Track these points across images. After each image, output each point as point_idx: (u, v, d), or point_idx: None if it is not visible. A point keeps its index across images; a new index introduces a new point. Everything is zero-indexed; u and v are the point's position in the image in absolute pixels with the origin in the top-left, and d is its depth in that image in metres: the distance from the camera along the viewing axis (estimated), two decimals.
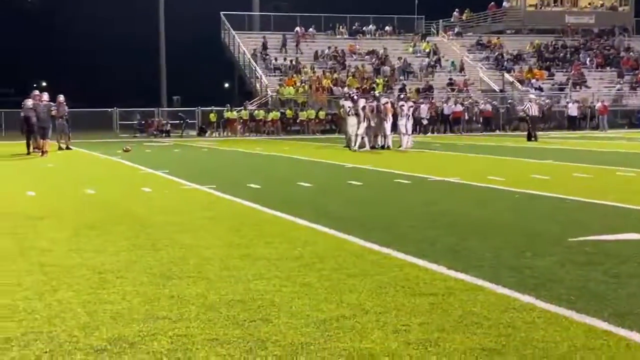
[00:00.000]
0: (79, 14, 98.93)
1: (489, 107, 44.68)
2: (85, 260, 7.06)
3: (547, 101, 45.58)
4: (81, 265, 6.81)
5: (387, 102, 26.10)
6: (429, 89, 49.54)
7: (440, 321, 4.98)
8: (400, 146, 25.77)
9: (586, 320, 4.95)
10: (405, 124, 26.26)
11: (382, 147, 25.46)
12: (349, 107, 25.21)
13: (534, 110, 32.17)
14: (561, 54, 57.27)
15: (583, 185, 13.28)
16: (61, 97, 28.36)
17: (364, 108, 24.78)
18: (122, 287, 5.98)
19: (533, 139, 31.02)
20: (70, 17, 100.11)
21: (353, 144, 24.66)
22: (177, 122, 45.07)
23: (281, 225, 9.07)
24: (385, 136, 25.83)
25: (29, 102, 24.80)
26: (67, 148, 27.54)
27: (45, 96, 25.08)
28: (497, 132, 44.34)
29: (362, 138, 24.91)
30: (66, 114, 28.69)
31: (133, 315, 5.20)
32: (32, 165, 20.51)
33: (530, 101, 32.82)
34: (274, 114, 43.48)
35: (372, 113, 25.42)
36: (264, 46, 51.70)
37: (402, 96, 30.99)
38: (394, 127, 25.96)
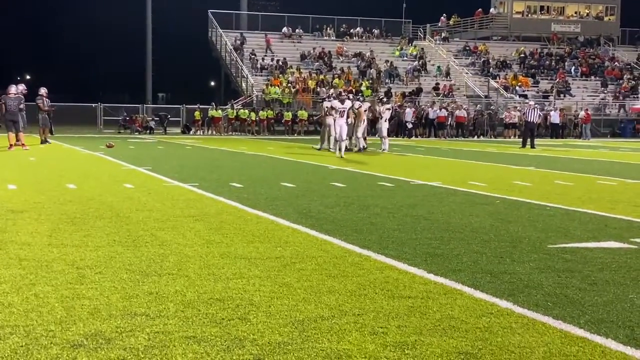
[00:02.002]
0: (66, 9, 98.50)
1: (463, 113, 44.73)
2: (64, 255, 7.03)
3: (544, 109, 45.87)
4: (60, 260, 6.78)
5: (360, 106, 26.12)
6: (417, 92, 49.67)
7: (418, 324, 4.99)
8: (383, 149, 25.96)
9: (562, 326, 4.98)
10: (384, 127, 26.46)
11: (350, 150, 25.52)
12: (326, 107, 25.42)
13: (535, 117, 32.05)
14: (546, 62, 57.57)
15: (564, 192, 13.35)
16: (43, 90, 28.21)
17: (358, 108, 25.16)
18: (100, 283, 5.96)
19: (529, 145, 30.85)
20: (57, 12, 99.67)
21: (332, 146, 24.78)
22: (157, 119, 44.95)
23: (263, 224, 9.07)
24: (357, 139, 25.94)
25: None
26: (45, 141, 27.41)
27: (14, 89, 24.66)
28: (482, 138, 44.53)
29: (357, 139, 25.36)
30: (49, 107, 28.61)
31: (111, 311, 5.19)
32: (13, 158, 20.39)
33: (532, 108, 32.45)
34: (269, 112, 43.43)
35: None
36: (243, 43, 51.63)
37: (383, 99, 30.87)
38: (372, 131, 26.17)
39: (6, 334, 4.64)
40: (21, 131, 24.49)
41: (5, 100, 24.08)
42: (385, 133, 26.64)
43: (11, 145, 23.85)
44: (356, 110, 25.38)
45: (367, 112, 26.26)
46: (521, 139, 32.94)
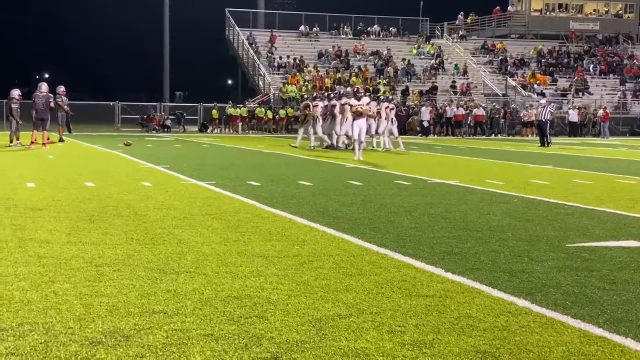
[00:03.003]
0: (84, 7, 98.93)
1: (481, 112, 44.62)
2: (83, 252, 7.06)
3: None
4: (78, 258, 6.82)
5: (345, 103, 26.21)
6: (433, 90, 49.58)
7: (436, 323, 4.98)
8: (384, 149, 25.85)
9: (581, 325, 4.96)
10: (386, 125, 26.33)
11: (330, 147, 25.96)
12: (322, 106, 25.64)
13: (544, 115, 32.00)
14: (565, 60, 57.28)
15: (583, 191, 13.28)
16: (62, 89, 28.36)
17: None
18: (118, 281, 5.99)
19: (547, 144, 30.87)
20: (75, 10, 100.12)
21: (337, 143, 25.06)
22: (173, 117, 45.11)
23: (280, 223, 9.08)
24: (338, 135, 26.11)
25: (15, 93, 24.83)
26: (61, 139, 27.58)
27: (44, 87, 25.01)
28: (500, 136, 44.38)
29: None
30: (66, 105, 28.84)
31: (129, 308, 5.21)
32: (32, 156, 20.51)
33: (543, 107, 32.45)
34: (290, 111, 43.44)
35: (326, 114, 26.16)
36: (264, 43, 51.66)
37: (382, 98, 30.64)
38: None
39: (25, 331, 4.66)
40: (47, 130, 24.68)
41: (34, 98, 24.27)
42: (384, 131, 26.48)
43: (43, 143, 23.95)
44: (339, 108, 25.71)
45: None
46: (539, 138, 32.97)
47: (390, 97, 31.01)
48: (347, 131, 25.71)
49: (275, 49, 51.40)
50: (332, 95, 28.70)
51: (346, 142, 26.11)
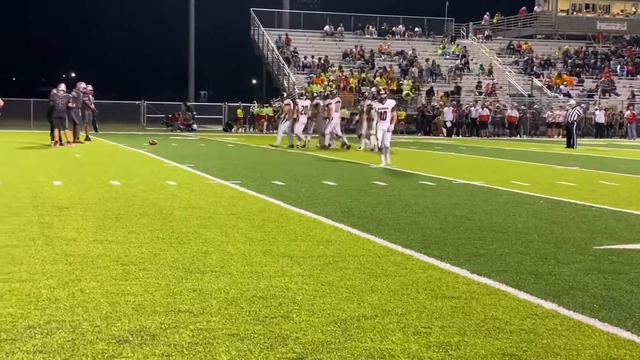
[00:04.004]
0: (110, 7, 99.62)
1: (515, 112, 44.46)
2: (109, 251, 7.11)
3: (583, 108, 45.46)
4: (105, 256, 6.86)
5: (330, 103, 26.44)
6: (457, 91, 49.42)
7: (462, 325, 4.96)
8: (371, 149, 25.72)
9: (609, 329, 4.91)
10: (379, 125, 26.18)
11: (324, 147, 26.14)
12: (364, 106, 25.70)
13: (570, 117, 31.89)
14: (591, 61, 56.84)
15: (610, 193, 13.17)
16: (89, 88, 28.55)
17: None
18: (144, 279, 6.01)
19: (572, 145, 30.80)
20: (102, 10, 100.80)
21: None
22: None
23: (304, 223, 9.08)
24: (324, 135, 26.43)
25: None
26: (87, 138, 27.78)
27: (62, 87, 25.23)
28: (524, 137, 44.13)
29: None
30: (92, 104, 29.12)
31: (155, 307, 5.23)
32: (59, 155, 20.67)
33: (572, 108, 32.41)
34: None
35: (318, 113, 26.44)
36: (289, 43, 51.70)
37: (377, 97, 30.18)
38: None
39: (53, 329, 4.70)
40: (67, 129, 24.91)
41: (54, 98, 24.47)
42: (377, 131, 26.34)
43: (56, 141, 24.24)
44: (325, 106, 26.21)
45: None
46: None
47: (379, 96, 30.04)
48: (335, 130, 26.04)
49: (295, 51, 51.33)
50: (315, 94, 28.80)
51: (332, 142, 26.56)
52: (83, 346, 4.40)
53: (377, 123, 22.20)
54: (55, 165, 17.20)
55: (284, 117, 27.13)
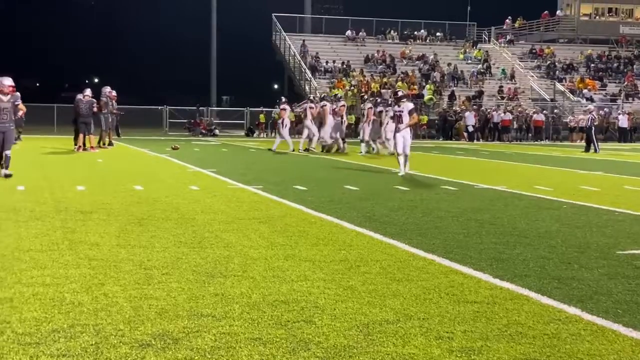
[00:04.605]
0: (133, 14, 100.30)
1: (542, 117, 44.27)
2: (132, 255, 7.15)
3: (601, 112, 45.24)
4: (128, 260, 6.90)
5: (325, 105, 26.70)
6: (479, 95, 49.26)
7: (484, 330, 4.94)
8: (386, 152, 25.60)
9: (633, 334, 4.88)
10: (388, 129, 26.08)
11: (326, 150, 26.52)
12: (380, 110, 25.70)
13: (587, 121, 31.85)
14: (614, 65, 56.46)
15: (634, 198, 13.07)
16: (114, 93, 28.69)
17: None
18: (167, 284, 6.04)
19: (593, 150, 30.77)
20: (126, 17, 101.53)
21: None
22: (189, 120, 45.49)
23: (326, 227, 9.08)
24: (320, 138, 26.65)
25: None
26: (110, 143, 27.93)
27: (88, 92, 25.42)
28: (547, 141, 43.90)
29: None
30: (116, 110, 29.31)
31: (178, 311, 5.25)
32: (82, 160, 20.81)
33: (590, 112, 32.42)
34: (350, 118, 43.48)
35: (318, 116, 26.59)
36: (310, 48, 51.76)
37: (378, 101, 30.04)
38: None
39: (77, 333, 4.73)
40: (92, 134, 25.09)
41: (78, 103, 24.65)
42: (389, 135, 26.22)
43: (80, 147, 24.40)
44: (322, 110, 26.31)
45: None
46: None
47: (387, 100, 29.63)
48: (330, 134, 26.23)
49: (317, 56, 51.37)
50: (312, 98, 28.88)
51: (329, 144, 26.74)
52: (106, 350, 4.43)
53: (383, 126, 22.19)
54: (78, 170, 17.31)
55: (283, 122, 27.22)
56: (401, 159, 17.12)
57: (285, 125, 27.09)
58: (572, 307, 5.49)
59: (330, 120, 26.51)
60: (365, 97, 28.32)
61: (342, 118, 26.90)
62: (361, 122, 27.25)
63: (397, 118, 17.62)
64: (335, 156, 24.36)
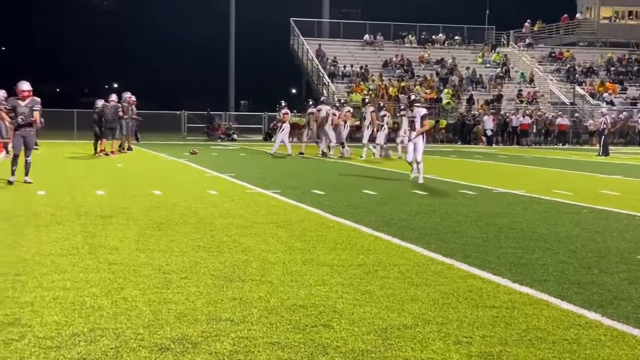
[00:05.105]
0: (151, 18, 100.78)
1: (566, 121, 44.09)
2: (151, 259, 7.18)
3: (620, 116, 45.04)
4: (147, 265, 6.93)
5: (312, 112, 26.84)
6: (498, 99, 49.10)
7: (503, 335, 4.92)
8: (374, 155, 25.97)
9: None
10: (382, 134, 26.34)
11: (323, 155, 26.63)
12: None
13: (599, 125, 31.86)
14: (635, 68, 56.11)
15: None
16: (133, 98, 28.83)
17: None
18: (186, 288, 6.06)
19: (602, 154, 30.83)
20: (143, 21, 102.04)
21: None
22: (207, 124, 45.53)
23: (344, 232, 9.08)
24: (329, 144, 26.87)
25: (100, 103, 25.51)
26: (129, 148, 28.06)
27: (113, 97, 25.66)
28: (567, 145, 43.68)
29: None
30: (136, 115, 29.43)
31: (196, 315, 5.27)
32: (102, 165, 20.92)
33: (604, 115, 32.42)
34: (352, 119, 43.48)
35: (317, 121, 26.94)
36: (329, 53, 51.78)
37: (381, 105, 29.99)
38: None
39: (97, 337, 4.76)
40: (117, 139, 25.25)
41: (104, 109, 24.81)
42: (381, 140, 26.53)
43: (101, 151, 24.53)
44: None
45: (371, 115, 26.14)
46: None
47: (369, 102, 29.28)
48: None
49: (335, 60, 51.38)
50: (311, 102, 28.91)
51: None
52: (126, 354, 4.45)
53: (390, 131, 22.18)
54: (98, 175, 17.40)
55: (281, 127, 27.32)
56: (415, 166, 16.58)
57: (284, 130, 27.18)
58: (592, 312, 5.46)
59: (315, 126, 27.25)
60: (367, 100, 28.15)
61: (345, 124, 26.98)
62: (362, 125, 27.25)
63: (410, 123, 17.17)
64: (353, 161, 24.34)
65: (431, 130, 38.32)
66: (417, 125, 16.38)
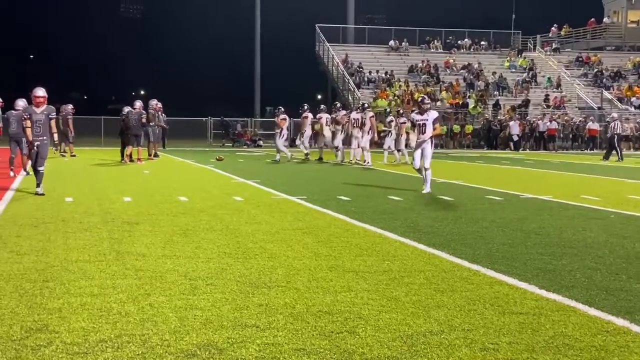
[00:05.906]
0: (178, 26, 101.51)
1: (596, 125, 43.80)
2: (178, 266, 7.21)
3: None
4: (173, 271, 6.96)
5: (306, 116, 27.38)
6: (526, 104, 48.83)
7: (530, 341, 4.89)
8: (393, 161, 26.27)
9: None
10: (394, 139, 26.70)
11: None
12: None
13: (618, 129, 31.61)
14: None
15: None
16: (160, 105, 29.01)
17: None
18: (212, 294, 6.09)
19: (604, 158, 30.72)
20: (170, 29, 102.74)
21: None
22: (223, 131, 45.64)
23: (370, 238, 9.07)
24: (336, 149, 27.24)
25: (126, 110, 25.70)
26: (156, 155, 28.20)
27: (138, 104, 25.82)
28: (595, 150, 43.36)
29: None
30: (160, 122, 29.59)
31: (222, 322, 5.29)
32: (128, 171, 21.06)
33: (614, 120, 32.22)
34: (379, 125, 43.44)
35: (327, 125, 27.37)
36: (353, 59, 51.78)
37: (401, 112, 29.93)
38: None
39: (124, 343, 4.79)
40: (142, 145, 25.41)
41: (128, 115, 25.00)
42: (387, 146, 26.93)
43: (139, 159, 24.69)
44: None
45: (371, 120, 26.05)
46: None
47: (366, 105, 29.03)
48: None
49: (360, 66, 51.36)
50: (307, 107, 28.92)
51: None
52: None
53: (398, 136, 22.00)
54: (125, 181, 17.52)
55: (280, 133, 27.36)
56: (422, 174, 15.51)
57: (282, 136, 27.27)
58: (621, 319, 5.42)
59: (308, 130, 27.90)
60: (367, 105, 28.09)
61: (342, 127, 27.02)
62: (362, 130, 27.25)
63: (419, 127, 15.62)
64: (381, 167, 24.31)
65: (441, 136, 38.37)
66: (429, 128, 15.33)
